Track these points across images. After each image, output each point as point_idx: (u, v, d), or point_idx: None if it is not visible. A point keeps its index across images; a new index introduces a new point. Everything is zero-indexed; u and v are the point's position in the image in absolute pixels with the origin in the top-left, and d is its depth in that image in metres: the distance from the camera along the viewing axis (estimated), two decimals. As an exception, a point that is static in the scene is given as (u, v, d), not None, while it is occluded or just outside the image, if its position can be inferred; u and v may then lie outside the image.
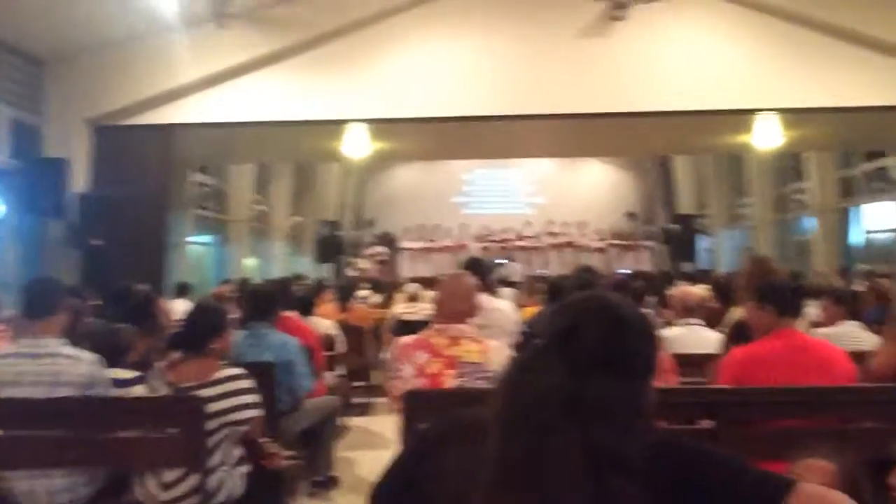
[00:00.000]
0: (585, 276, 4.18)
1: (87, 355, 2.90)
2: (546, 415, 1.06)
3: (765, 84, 8.49)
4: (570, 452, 1.03)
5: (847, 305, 4.04)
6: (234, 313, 4.57)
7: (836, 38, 8.37)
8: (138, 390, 3.00)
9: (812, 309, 4.81)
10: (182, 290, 8.25)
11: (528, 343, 1.18)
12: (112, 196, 8.39)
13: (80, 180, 8.48)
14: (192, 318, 2.99)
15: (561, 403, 1.07)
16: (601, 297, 1.22)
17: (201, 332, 2.90)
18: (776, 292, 2.91)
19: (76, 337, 3.10)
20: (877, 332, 3.95)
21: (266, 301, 4.11)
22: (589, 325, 1.15)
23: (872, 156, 12.08)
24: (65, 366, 2.82)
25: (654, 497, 1.03)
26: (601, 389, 1.09)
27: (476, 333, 3.04)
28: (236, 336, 3.94)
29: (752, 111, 8.87)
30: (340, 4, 8.61)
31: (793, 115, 8.84)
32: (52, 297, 2.96)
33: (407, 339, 3.10)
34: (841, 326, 3.90)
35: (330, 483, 4.34)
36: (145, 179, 8.69)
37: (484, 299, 4.11)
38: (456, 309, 3.03)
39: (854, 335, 3.87)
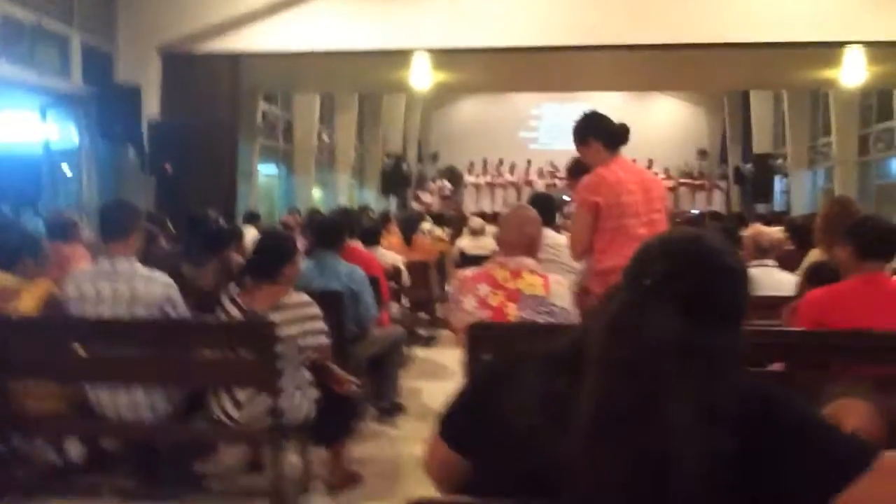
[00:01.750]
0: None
1: (161, 276, 2.99)
2: (661, 362, 1.04)
3: (853, 16, 7.98)
4: (683, 402, 1.01)
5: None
6: (301, 242, 4.66)
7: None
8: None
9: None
10: (251, 218, 8.42)
11: (631, 284, 1.14)
12: (182, 124, 8.54)
13: (151, 107, 8.66)
14: (262, 245, 3.05)
15: (675, 351, 1.05)
16: (703, 240, 1.18)
17: (271, 259, 2.96)
18: (865, 231, 2.78)
19: (149, 260, 3.20)
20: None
21: (332, 231, 4.15)
22: (694, 271, 1.13)
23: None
24: (140, 286, 2.92)
25: (743, 448, 1.01)
26: (710, 337, 1.07)
27: (538, 267, 3.00)
28: (304, 265, 4.01)
29: (838, 44, 8.37)
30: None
31: (881, 49, 8.30)
32: (126, 220, 3.05)
33: (468, 272, 3.09)
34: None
35: (395, 409, 4.44)
36: (214, 108, 8.82)
37: (548, 234, 4.06)
38: (518, 242, 2.99)
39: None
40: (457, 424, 1.27)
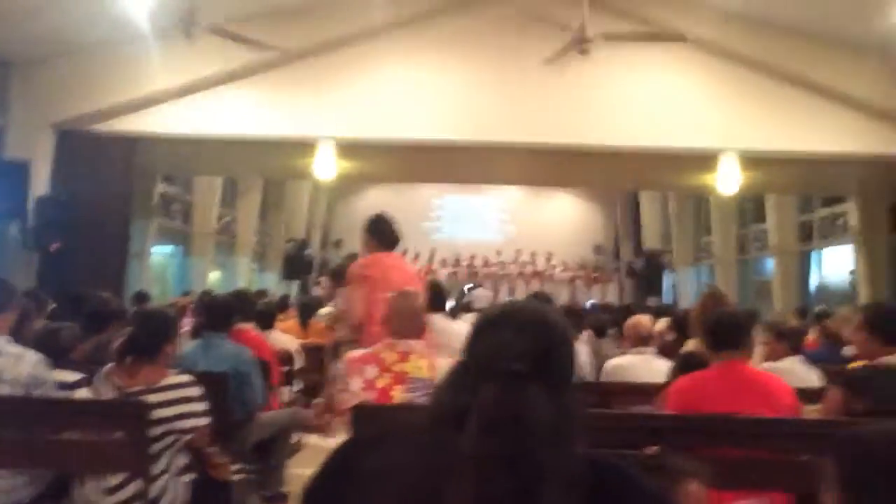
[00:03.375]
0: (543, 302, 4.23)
1: (31, 355, 2.87)
2: (539, 450, 1.05)
3: (728, 126, 8.77)
4: (557, 484, 1.03)
5: (789, 341, 4.15)
6: (190, 323, 4.55)
7: (797, 86, 8.70)
8: (83, 393, 2.97)
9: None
10: (140, 299, 8.13)
11: (490, 369, 1.13)
12: (73, 201, 8.29)
13: (41, 184, 8.37)
14: (140, 322, 2.98)
15: (550, 436, 1.06)
16: (521, 308, 1.23)
17: (149, 337, 2.89)
18: (717, 325, 3.00)
19: (22, 338, 3.06)
20: (823, 370, 4.04)
21: (221, 312, 4.09)
22: (557, 346, 1.17)
23: (831, 201, 12.43)
24: (7, 364, 2.78)
25: None
26: (570, 410, 1.10)
27: (426, 350, 3.07)
28: (190, 345, 3.92)
29: (714, 152, 9.12)
30: (315, 23, 8.65)
31: (754, 158, 9.12)
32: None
33: (357, 354, 3.12)
34: (784, 362, 3.99)
35: (280, 499, 4.29)
36: (108, 186, 8.63)
37: (440, 321, 4.16)
38: (404, 325, 3.06)
39: (799, 372, 3.95)
40: (320, 494, 1.27)
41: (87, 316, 4.43)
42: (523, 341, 1.15)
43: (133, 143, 8.92)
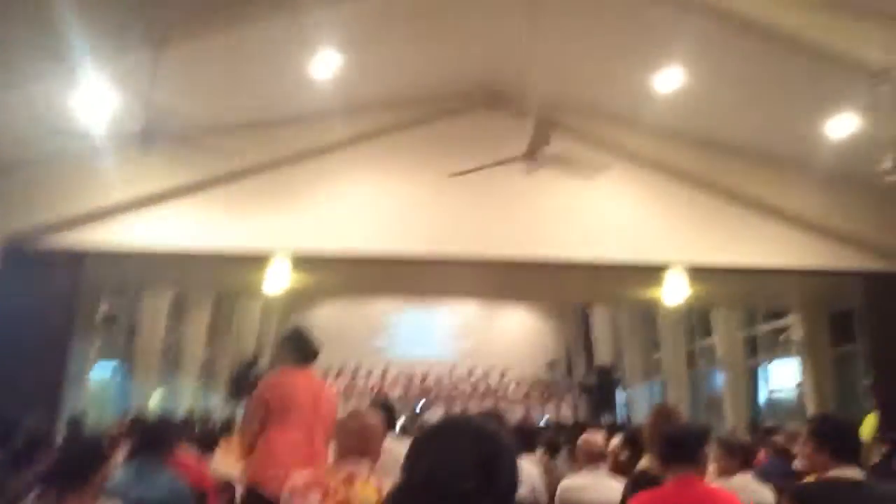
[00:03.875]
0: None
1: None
2: None
3: (673, 242, 9.09)
4: None
5: (739, 457, 4.13)
6: (124, 448, 4.33)
7: (736, 202, 9.13)
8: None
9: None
10: (74, 425, 7.68)
11: (444, 489, 1.12)
12: (11, 321, 8.01)
13: (-21, 301, 8.11)
14: (66, 450, 2.82)
15: None
16: (458, 422, 1.22)
17: (76, 466, 2.72)
18: (669, 440, 2.97)
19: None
20: (774, 486, 4.02)
21: (157, 435, 3.90)
22: (457, 455, 1.15)
23: (774, 316, 12.76)
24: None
25: None
26: None
27: (372, 474, 2.95)
28: (122, 471, 3.70)
29: (660, 265, 9.38)
30: (268, 139, 8.85)
31: (699, 272, 9.39)
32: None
33: (300, 479, 2.98)
34: (737, 479, 3.96)
35: None
36: (51, 303, 8.40)
37: (388, 441, 4.03)
38: (352, 448, 2.95)
39: (752, 488, 3.92)
40: None
41: (16, 452, 4.20)
42: (465, 457, 1.13)
43: (81, 259, 8.77)
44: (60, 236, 8.58)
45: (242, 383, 16.23)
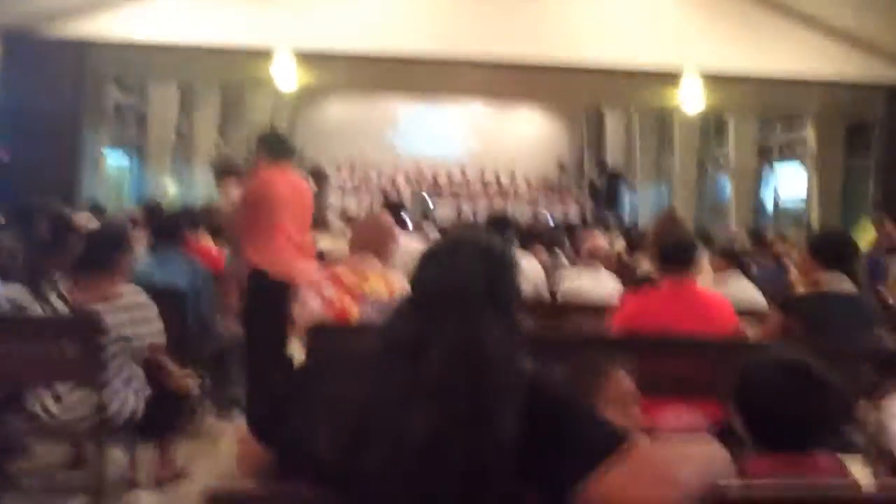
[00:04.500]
0: (499, 222, 4.29)
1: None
2: (495, 378, 1.10)
3: (689, 47, 8.72)
4: (508, 411, 1.08)
5: (732, 259, 4.27)
6: (144, 236, 4.50)
7: (761, 6, 8.59)
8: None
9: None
10: (95, 210, 7.96)
11: (455, 298, 1.18)
12: (20, 108, 7.99)
13: (-14, 90, 8.04)
14: (93, 235, 2.94)
15: (506, 364, 1.12)
16: (464, 237, 1.27)
17: (102, 248, 2.86)
18: (670, 249, 3.07)
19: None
20: (766, 293, 4.17)
21: (172, 224, 4.06)
22: (464, 266, 1.20)
23: (789, 123, 12.53)
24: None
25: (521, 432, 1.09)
26: (491, 330, 1.14)
27: (386, 271, 3.09)
28: (144, 260, 3.89)
29: (675, 70, 9.09)
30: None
31: (715, 79, 9.09)
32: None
33: (316, 271, 3.13)
34: (732, 283, 4.09)
35: (233, 405, 4.37)
36: (58, 92, 8.33)
37: (400, 239, 4.17)
38: (368, 245, 3.07)
39: (745, 294, 4.06)
40: (268, 419, 1.30)
41: (42, 236, 4.34)
42: (473, 271, 1.19)
43: (84, 48, 8.57)
44: (62, 24, 8.28)
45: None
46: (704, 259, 4.18)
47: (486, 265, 1.21)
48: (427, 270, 1.24)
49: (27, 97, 8.12)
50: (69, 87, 8.51)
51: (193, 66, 10.34)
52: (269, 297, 3.72)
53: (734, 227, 12.47)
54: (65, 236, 4.39)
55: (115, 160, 13.01)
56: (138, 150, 13.62)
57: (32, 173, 7.79)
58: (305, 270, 3.51)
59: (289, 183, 4.05)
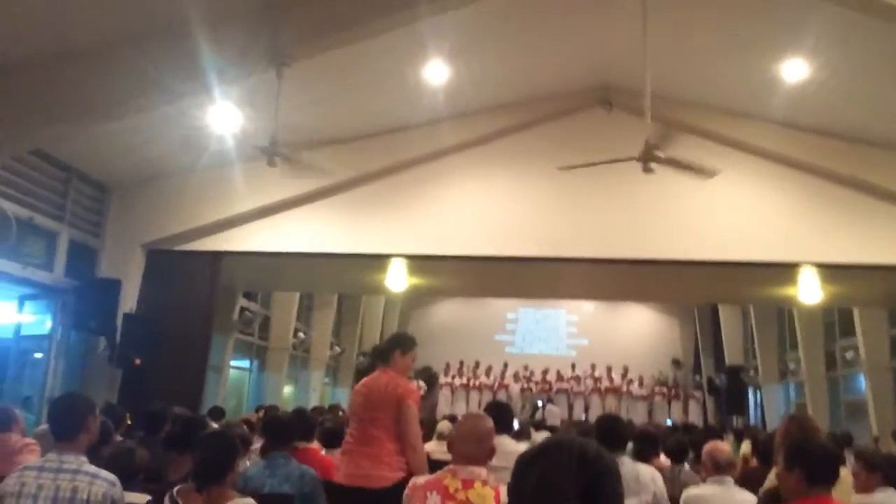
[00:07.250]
0: (610, 426, 4.12)
1: (106, 475, 2.93)
2: None
3: (803, 239, 8.56)
4: None
5: (882, 471, 3.82)
6: (258, 441, 4.60)
7: (872, 195, 8.46)
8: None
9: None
10: (215, 415, 8.26)
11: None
12: (158, 316, 8.67)
13: (129, 301, 8.83)
14: (205, 447, 3.02)
15: None
16: (562, 443, 1.25)
17: (213, 463, 2.93)
18: (807, 456, 2.72)
19: (98, 456, 3.15)
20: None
21: (283, 430, 4.14)
22: (560, 476, 1.18)
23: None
24: (83, 484, 2.85)
25: None
26: None
27: (490, 478, 2.99)
28: (255, 465, 3.95)
29: (791, 265, 8.87)
30: (386, 147, 9.09)
31: (832, 271, 8.81)
32: (76, 416, 3.02)
33: (421, 480, 3.07)
34: (877, 495, 3.68)
35: None
36: (191, 302, 9.00)
37: (503, 442, 4.07)
38: (469, 451, 3.01)
39: (895, 505, 3.64)
40: None
41: (172, 436, 4.52)
42: (568, 479, 1.16)
43: (216, 261, 9.37)
44: (197, 243, 9.20)
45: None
46: (846, 469, 3.80)
47: (579, 471, 1.18)
48: (520, 478, 1.22)
49: (164, 307, 8.84)
50: (200, 296, 9.18)
51: (312, 273, 11.05)
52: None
53: (874, 430, 11.40)
54: (188, 437, 4.55)
55: (237, 364, 13.66)
56: (258, 354, 14.29)
57: (163, 377, 8.27)
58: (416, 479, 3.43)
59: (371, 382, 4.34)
